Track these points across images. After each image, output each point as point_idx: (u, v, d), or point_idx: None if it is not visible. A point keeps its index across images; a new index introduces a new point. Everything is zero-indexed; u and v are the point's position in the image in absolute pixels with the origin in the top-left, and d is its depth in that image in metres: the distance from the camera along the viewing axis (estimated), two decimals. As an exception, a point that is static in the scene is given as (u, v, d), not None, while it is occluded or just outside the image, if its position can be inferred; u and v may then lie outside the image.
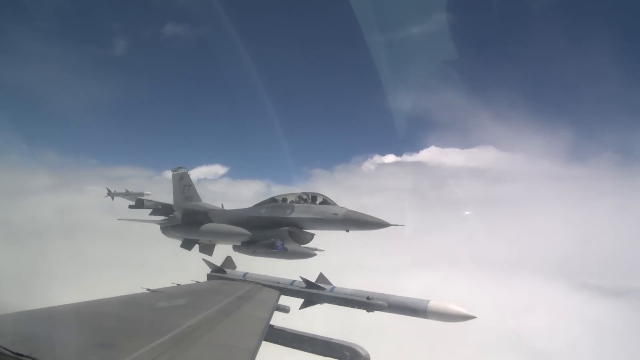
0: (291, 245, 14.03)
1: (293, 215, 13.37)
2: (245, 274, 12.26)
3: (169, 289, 9.06)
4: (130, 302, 7.11)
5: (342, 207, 12.61)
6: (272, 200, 14.58)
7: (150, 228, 17.60)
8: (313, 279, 11.04)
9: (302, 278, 11.11)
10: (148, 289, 8.21)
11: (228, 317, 6.68)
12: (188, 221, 15.56)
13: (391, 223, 11.79)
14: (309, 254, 15.17)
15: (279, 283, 11.38)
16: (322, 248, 15.32)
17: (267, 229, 13.92)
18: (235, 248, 15.28)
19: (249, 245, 14.43)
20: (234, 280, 11.94)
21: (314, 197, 13.44)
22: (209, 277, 12.72)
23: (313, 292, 10.80)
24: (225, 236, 14.66)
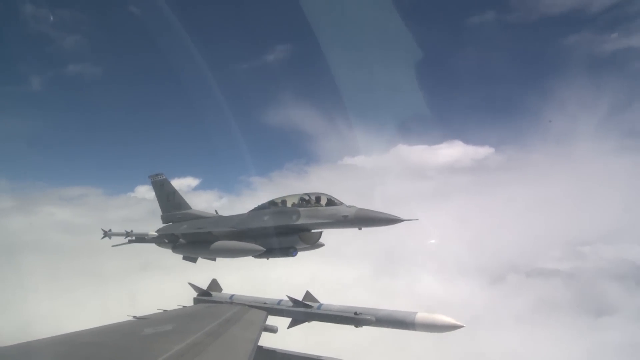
0: (300, 246, 13.29)
1: (301, 221, 12.63)
2: (232, 296, 12.19)
3: (155, 315, 8.99)
4: (116, 331, 7.04)
5: (351, 207, 11.93)
6: (272, 204, 13.81)
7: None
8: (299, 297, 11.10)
9: (288, 297, 11.13)
10: (134, 317, 8.13)
11: (216, 340, 6.69)
12: (194, 241, 14.83)
13: (404, 218, 11.21)
14: (316, 245, 14.04)
15: (265, 303, 11.38)
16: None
17: (275, 237, 13.13)
18: None
19: (262, 254, 13.57)
20: (221, 302, 11.87)
21: (317, 198, 12.69)
22: (196, 300, 12.60)
23: (300, 311, 10.83)
24: (238, 253, 13.73)
